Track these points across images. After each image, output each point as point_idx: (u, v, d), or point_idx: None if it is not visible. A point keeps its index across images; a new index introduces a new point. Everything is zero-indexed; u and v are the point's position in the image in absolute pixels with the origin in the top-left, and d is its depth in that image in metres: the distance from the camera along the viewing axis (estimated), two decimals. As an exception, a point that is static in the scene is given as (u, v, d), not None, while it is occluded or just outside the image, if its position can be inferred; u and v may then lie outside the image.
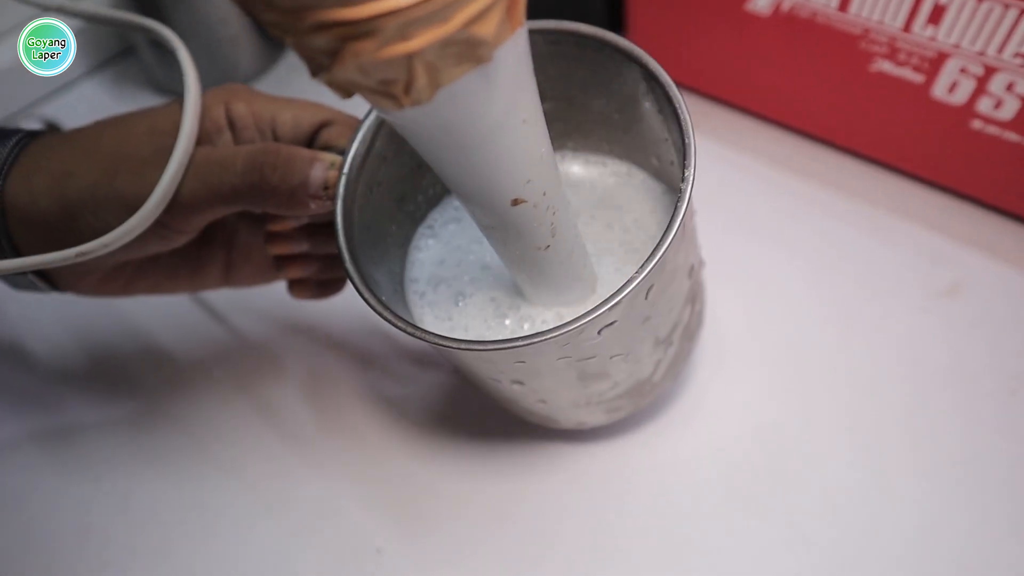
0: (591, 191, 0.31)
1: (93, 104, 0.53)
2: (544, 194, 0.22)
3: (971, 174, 0.38)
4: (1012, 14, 0.31)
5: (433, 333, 0.24)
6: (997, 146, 0.35)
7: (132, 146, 0.27)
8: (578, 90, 0.28)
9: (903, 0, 0.33)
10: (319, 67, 0.16)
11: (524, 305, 0.29)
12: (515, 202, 0.22)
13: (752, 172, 0.43)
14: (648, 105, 0.27)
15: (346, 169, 0.26)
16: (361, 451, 0.35)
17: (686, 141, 0.24)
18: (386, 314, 0.24)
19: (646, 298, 0.24)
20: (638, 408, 0.32)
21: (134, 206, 0.26)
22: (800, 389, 0.34)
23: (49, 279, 0.30)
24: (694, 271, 0.28)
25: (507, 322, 0.29)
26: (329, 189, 0.26)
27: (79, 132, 0.29)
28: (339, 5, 0.15)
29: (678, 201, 0.23)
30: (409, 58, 0.16)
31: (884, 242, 0.39)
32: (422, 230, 0.32)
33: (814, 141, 0.43)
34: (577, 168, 0.32)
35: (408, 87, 0.16)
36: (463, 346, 0.23)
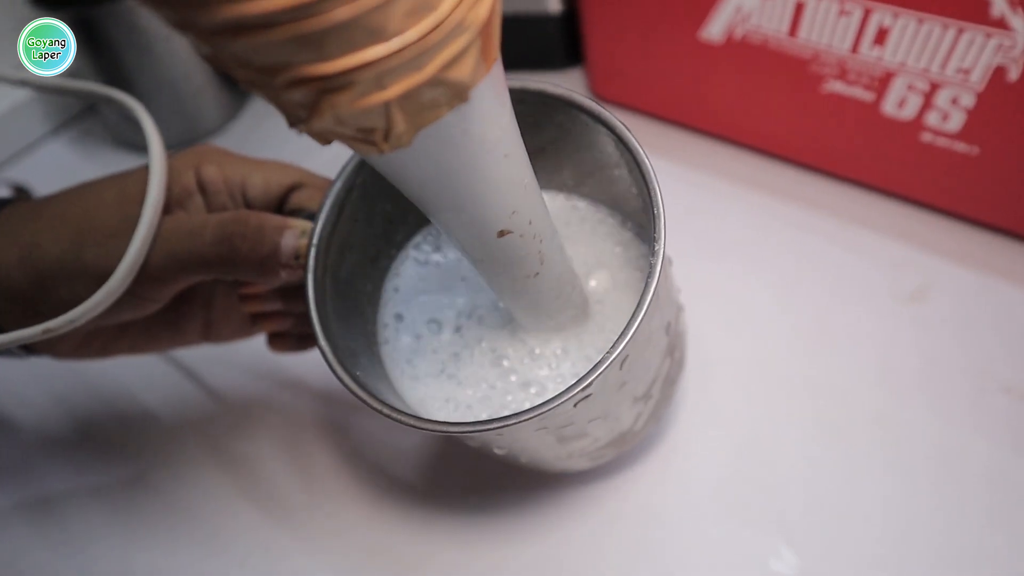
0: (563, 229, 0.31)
1: (59, 164, 0.53)
2: (530, 223, 0.22)
3: (926, 183, 0.39)
4: (951, 33, 0.33)
5: (403, 412, 0.24)
6: (948, 156, 0.37)
7: (100, 216, 0.27)
8: (548, 143, 0.29)
9: (849, 24, 0.35)
10: (296, 119, 0.16)
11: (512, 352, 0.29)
12: (502, 233, 0.22)
13: (715, 191, 0.44)
14: (618, 167, 0.28)
15: (315, 239, 0.26)
16: (348, 518, 0.35)
17: (655, 212, 0.23)
18: (361, 395, 0.24)
19: (620, 368, 0.23)
20: (622, 452, 0.32)
21: (102, 277, 0.26)
22: (779, 401, 0.35)
23: (26, 345, 0.30)
24: (671, 326, 0.28)
25: (505, 362, 0.29)
26: (300, 258, 0.26)
27: (47, 201, 0.29)
28: (314, 60, 0.15)
29: (649, 275, 0.23)
30: (386, 106, 0.16)
31: (849, 251, 0.40)
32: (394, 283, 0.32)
33: (774, 159, 0.45)
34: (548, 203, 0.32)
35: (387, 133, 0.16)
36: (431, 427, 0.23)
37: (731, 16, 0.38)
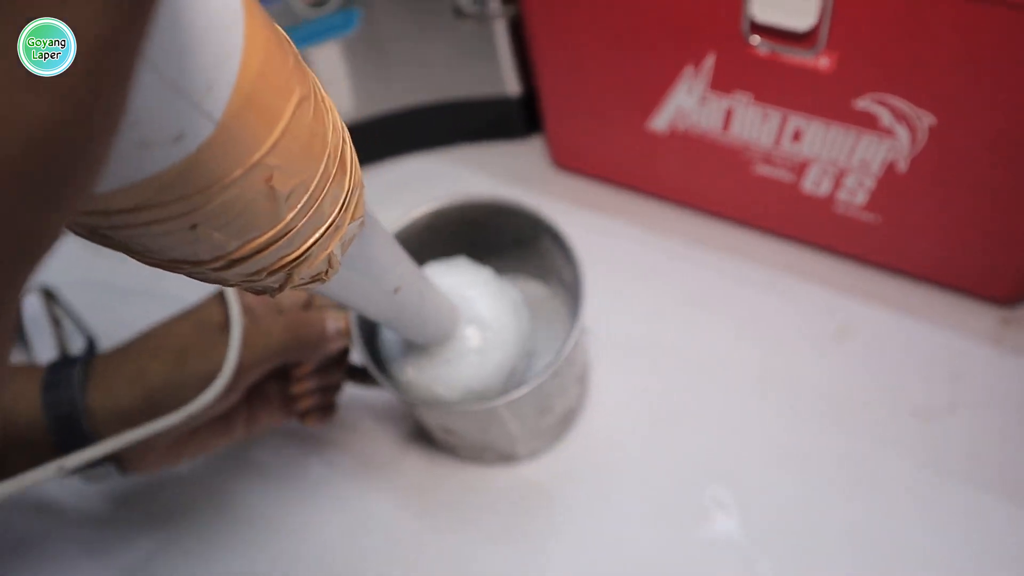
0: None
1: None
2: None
3: (843, 239, 0.48)
4: (853, 135, 0.40)
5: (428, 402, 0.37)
6: (857, 222, 0.45)
7: (193, 338, 0.36)
8: (494, 236, 0.43)
9: (771, 126, 0.42)
10: (269, 291, 0.23)
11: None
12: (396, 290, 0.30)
13: (658, 246, 0.51)
14: (550, 249, 0.42)
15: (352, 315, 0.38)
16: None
17: (580, 292, 0.38)
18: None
19: (572, 351, 0.38)
20: (565, 433, 0.44)
21: (207, 380, 0.35)
22: (712, 430, 0.43)
23: (118, 463, 0.37)
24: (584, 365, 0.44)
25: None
26: (343, 332, 0.38)
27: (132, 343, 0.37)
28: (287, 253, 0.20)
29: (570, 331, 0.37)
30: (328, 257, 0.22)
31: (781, 297, 0.48)
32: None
33: (712, 216, 0.52)
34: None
35: (328, 271, 0.23)
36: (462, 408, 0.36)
37: (673, 114, 0.46)
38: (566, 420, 0.44)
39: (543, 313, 0.47)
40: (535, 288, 0.48)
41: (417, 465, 0.45)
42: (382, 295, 0.30)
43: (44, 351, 0.49)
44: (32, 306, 0.52)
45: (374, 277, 0.28)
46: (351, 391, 0.44)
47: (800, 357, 0.46)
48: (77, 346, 0.50)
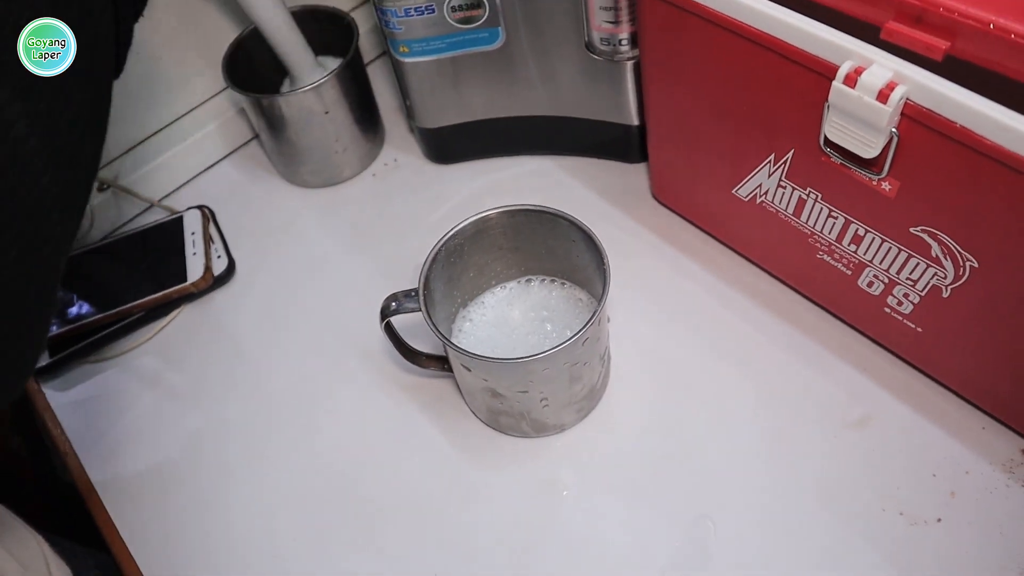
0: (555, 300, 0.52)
1: (230, 181, 0.69)
2: None
3: (887, 337, 0.50)
4: (904, 255, 0.43)
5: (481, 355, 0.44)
6: (901, 325, 0.48)
7: None
8: (549, 240, 0.51)
9: (835, 225, 0.46)
10: None
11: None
12: None
13: (716, 291, 0.56)
14: (589, 257, 0.48)
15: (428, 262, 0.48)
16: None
17: (604, 287, 0.45)
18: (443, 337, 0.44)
19: (599, 326, 0.45)
20: (589, 411, 0.51)
21: None
22: (708, 470, 0.48)
23: None
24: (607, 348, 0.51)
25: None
26: None
27: None
28: None
29: (597, 309, 0.44)
30: None
31: (814, 369, 0.51)
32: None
33: (776, 280, 0.55)
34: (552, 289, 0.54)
35: None
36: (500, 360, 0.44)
37: (754, 188, 0.49)
38: (591, 397, 0.51)
39: (585, 315, 0.53)
40: (583, 295, 0.54)
41: (471, 430, 0.53)
42: None
43: (194, 267, 0.60)
44: (193, 220, 0.63)
45: None
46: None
47: (813, 432, 0.49)
48: (221, 266, 0.61)
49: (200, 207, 0.64)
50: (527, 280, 0.55)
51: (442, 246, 0.48)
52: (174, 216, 0.63)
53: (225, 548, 0.50)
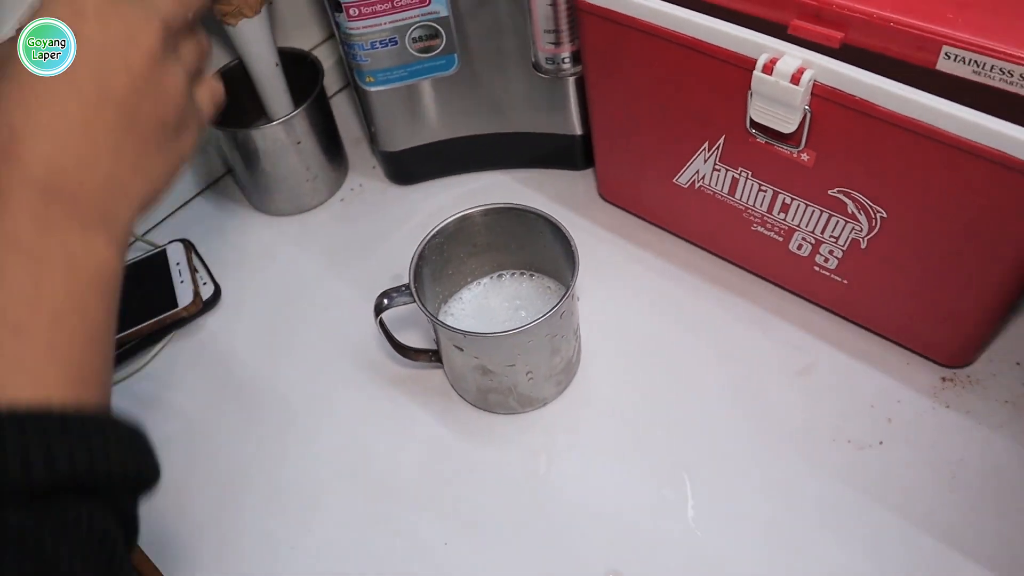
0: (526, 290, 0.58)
1: (205, 216, 0.73)
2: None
3: (819, 293, 0.58)
4: (826, 216, 0.51)
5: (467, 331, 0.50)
6: (830, 281, 0.55)
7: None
8: (519, 235, 0.56)
9: (765, 197, 0.53)
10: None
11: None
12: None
13: (669, 275, 0.63)
14: (558, 247, 0.54)
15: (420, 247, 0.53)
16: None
17: (575, 269, 0.51)
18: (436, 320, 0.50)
19: (572, 300, 0.51)
20: (566, 386, 0.57)
21: None
22: (681, 428, 0.54)
23: None
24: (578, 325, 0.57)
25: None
26: None
27: None
28: None
29: (568, 288, 0.50)
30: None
31: (763, 332, 0.59)
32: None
33: (719, 258, 0.63)
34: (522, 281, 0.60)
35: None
36: (488, 335, 0.50)
37: (693, 174, 0.57)
38: (568, 370, 0.56)
39: (554, 301, 0.58)
40: (551, 283, 0.60)
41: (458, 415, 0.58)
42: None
43: (183, 294, 0.64)
44: (176, 252, 0.67)
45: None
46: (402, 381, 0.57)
47: (768, 383, 0.56)
48: (208, 292, 0.65)
49: (181, 240, 0.68)
50: (499, 275, 0.60)
51: (426, 244, 0.53)
52: (157, 249, 0.67)
53: (236, 558, 0.53)
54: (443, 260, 0.56)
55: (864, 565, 0.48)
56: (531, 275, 0.60)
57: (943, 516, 0.49)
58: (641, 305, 0.62)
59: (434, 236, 0.54)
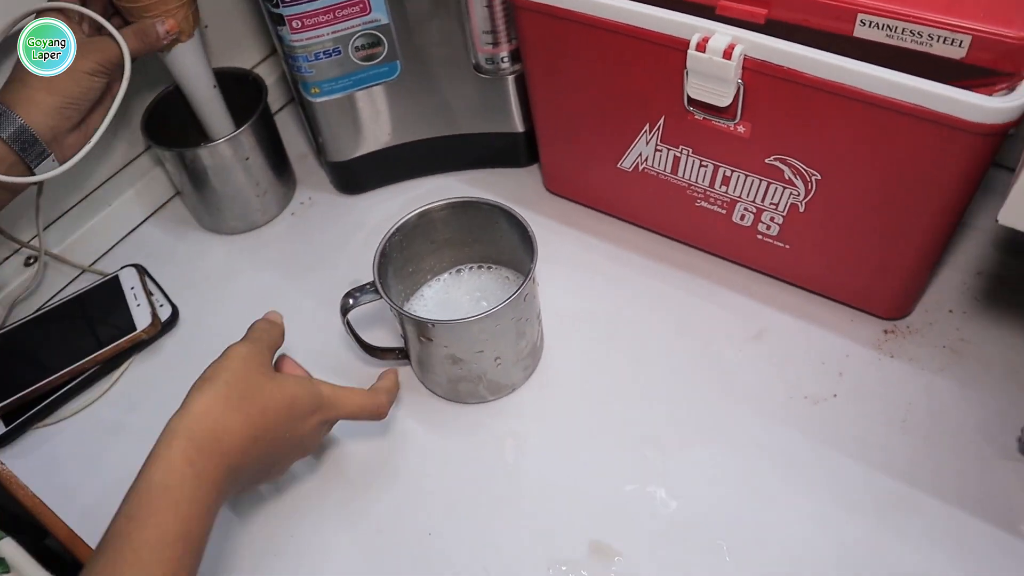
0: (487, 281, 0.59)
1: (155, 242, 0.72)
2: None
3: (764, 261, 0.61)
4: (764, 184, 0.54)
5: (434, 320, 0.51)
6: (773, 247, 0.58)
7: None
8: (476, 228, 0.58)
9: (706, 172, 0.56)
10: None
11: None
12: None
13: (621, 259, 0.65)
14: (515, 235, 0.56)
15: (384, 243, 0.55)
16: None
17: (533, 253, 0.53)
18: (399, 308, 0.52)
19: (534, 284, 0.53)
20: (533, 371, 0.59)
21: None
22: (646, 399, 0.56)
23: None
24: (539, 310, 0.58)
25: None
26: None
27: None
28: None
29: (528, 273, 0.52)
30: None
31: (714, 304, 0.61)
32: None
33: (666, 238, 0.66)
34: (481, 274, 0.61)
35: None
36: (457, 321, 0.50)
37: (636, 157, 0.59)
38: (534, 355, 0.58)
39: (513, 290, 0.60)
40: (509, 273, 0.62)
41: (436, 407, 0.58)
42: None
43: (141, 316, 0.63)
44: (130, 277, 0.67)
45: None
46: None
47: (723, 351, 0.59)
48: (165, 314, 0.64)
49: (133, 264, 0.67)
50: (457, 270, 0.62)
51: (388, 241, 0.54)
52: (109, 276, 0.66)
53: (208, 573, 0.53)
54: (403, 258, 0.57)
55: (831, 508, 0.51)
56: (489, 267, 0.62)
57: (900, 457, 0.52)
58: (596, 289, 0.64)
59: (395, 233, 0.55)
